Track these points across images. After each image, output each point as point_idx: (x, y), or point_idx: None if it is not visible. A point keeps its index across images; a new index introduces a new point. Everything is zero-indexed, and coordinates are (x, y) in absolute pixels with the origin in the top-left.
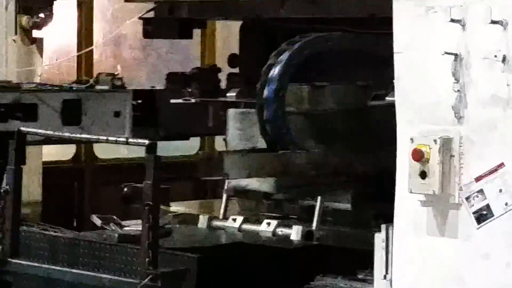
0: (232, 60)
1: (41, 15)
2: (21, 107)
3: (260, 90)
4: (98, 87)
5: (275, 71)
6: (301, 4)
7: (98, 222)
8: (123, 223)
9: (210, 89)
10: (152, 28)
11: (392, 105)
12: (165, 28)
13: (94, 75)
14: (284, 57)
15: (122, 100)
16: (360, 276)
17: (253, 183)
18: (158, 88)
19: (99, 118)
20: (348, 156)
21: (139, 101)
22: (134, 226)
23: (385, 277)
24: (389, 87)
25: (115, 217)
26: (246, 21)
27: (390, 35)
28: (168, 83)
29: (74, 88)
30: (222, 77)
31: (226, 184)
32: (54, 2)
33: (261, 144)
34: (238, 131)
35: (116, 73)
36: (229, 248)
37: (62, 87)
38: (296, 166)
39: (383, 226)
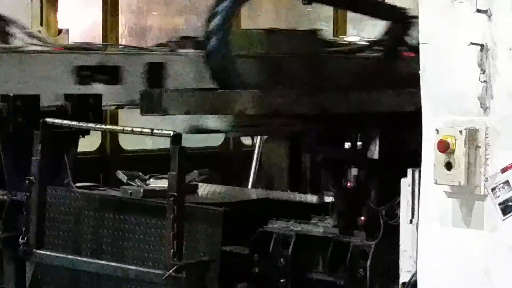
0: None
1: None
2: (104, 70)
3: (205, 40)
4: (180, 50)
5: (216, 20)
6: None
7: (123, 178)
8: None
9: None
10: None
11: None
12: None
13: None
14: (222, 8)
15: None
16: (313, 221)
17: (210, 122)
18: None
19: (181, 81)
20: (290, 97)
21: None
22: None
23: (411, 221)
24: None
25: (140, 173)
26: None
27: None
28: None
29: (157, 50)
30: None
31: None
32: None
33: None
34: None
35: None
36: (255, 203)
37: (145, 49)
38: (236, 104)
39: (409, 170)
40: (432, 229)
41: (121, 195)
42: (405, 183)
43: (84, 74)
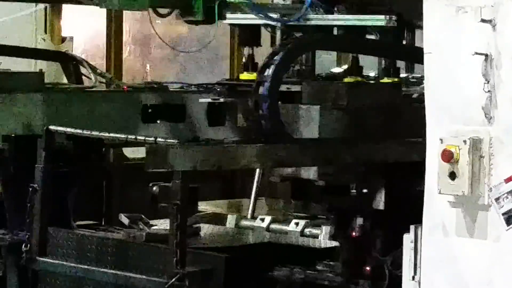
0: None
1: None
2: (168, 108)
3: (256, 88)
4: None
5: (270, 70)
6: None
7: (126, 221)
8: (151, 222)
9: None
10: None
11: None
12: None
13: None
14: (278, 57)
15: None
16: (318, 267)
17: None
18: None
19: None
20: (293, 150)
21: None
22: (162, 225)
23: (413, 278)
24: None
25: (143, 216)
26: None
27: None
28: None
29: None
30: None
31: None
32: None
33: None
34: None
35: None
36: (257, 248)
37: (207, 88)
38: (241, 159)
39: (412, 227)
40: (435, 239)
41: (124, 238)
42: (408, 239)
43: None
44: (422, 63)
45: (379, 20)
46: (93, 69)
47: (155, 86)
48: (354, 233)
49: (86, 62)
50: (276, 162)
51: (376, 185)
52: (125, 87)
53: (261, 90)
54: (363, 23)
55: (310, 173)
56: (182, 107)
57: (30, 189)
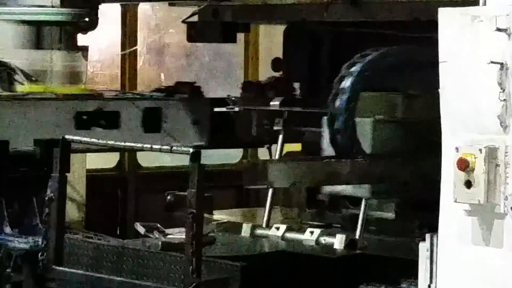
0: (276, 64)
1: (86, 19)
2: (103, 115)
3: (332, 101)
4: (177, 95)
5: (347, 82)
6: (344, 7)
7: (141, 230)
8: (166, 231)
9: (286, 98)
10: (196, 32)
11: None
12: (209, 31)
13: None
14: (356, 68)
15: (201, 108)
16: (404, 285)
17: (348, 189)
18: (234, 96)
19: (178, 126)
20: (393, 165)
21: (216, 109)
22: (177, 234)
23: (429, 286)
24: None
25: (158, 225)
26: (290, 25)
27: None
28: (243, 92)
29: (155, 96)
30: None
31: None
32: (99, 7)
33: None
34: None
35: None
36: (273, 257)
37: (143, 95)
38: (341, 174)
39: (427, 235)
40: (451, 247)
41: (140, 247)
42: (423, 248)
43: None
44: None
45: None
46: (27, 76)
47: (91, 93)
48: None
49: (20, 69)
50: (374, 178)
51: None
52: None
53: (338, 103)
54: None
55: (360, 190)
56: (117, 114)
57: (46, 198)
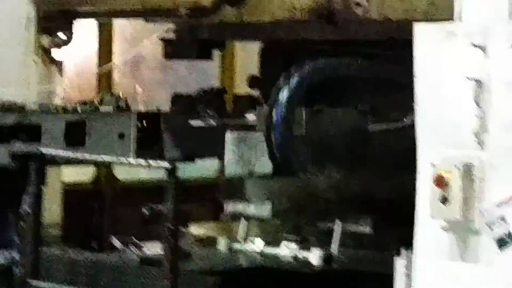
0: (252, 81)
1: (61, 34)
2: (24, 128)
3: (268, 114)
4: (102, 108)
5: (284, 94)
6: (321, 26)
7: (118, 244)
8: (143, 244)
9: (216, 111)
10: (172, 49)
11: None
12: (184, 48)
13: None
14: (293, 80)
15: (126, 121)
16: None
17: (250, 208)
18: (162, 109)
19: (103, 140)
20: (370, 181)
21: (144, 123)
22: (154, 248)
23: None
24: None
25: (134, 238)
26: (266, 42)
27: (398, 59)
28: (173, 105)
29: (78, 110)
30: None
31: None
32: (74, 23)
33: (258, 168)
34: (236, 155)
35: (121, 94)
36: (249, 272)
37: (65, 109)
38: (318, 190)
39: (403, 251)
40: (427, 263)
41: (117, 261)
42: (400, 263)
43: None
44: None
45: None
46: None
47: (12, 106)
48: None
49: None
50: (350, 193)
51: None
52: None
53: (274, 116)
54: None
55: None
56: (38, 127)
57: (22, 212)
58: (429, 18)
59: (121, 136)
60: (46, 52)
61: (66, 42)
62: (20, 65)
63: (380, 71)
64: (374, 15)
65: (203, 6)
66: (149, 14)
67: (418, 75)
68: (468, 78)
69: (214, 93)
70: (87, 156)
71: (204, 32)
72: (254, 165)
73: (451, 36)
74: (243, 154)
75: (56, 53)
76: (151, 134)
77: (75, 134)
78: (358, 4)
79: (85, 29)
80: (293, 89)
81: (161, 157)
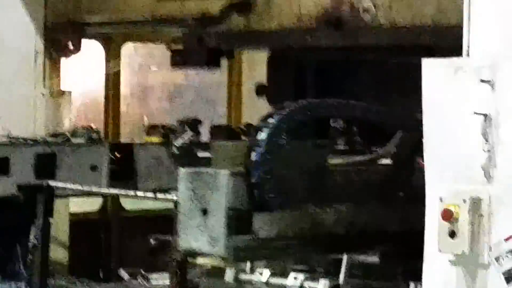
0: (260, 90)
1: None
2: None
3: (247, 154)
4: (74, 140)
5: (263, 134)
6: (329, 33)
7: (125, 276)
8: (150, 275)
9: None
10: (181, 58)
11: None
12: (193, 56)
13: (122, 126)
14: (272, 120)
15: (98, 153)
16: None
17: (205, 247)
18: (135, 141)
19: (75, 172)
20: (378, 213)
21: (117, 155)
22: (161, 279)
23: None
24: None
25: (142, 270)
26: (274, 51)
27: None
28: (149, 136)
29: (49, 142)
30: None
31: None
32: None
33: (212, 205)
34: (189, 191)
35: (92, 125)
36: None
37: (35, 141)
38: (325, 223)
39: (411, 285)
40: None
41: None
42: None
43: None
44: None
45: None
46: None
47: None
48: None
49: None
50: (359, 226)
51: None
52: None
53: (253, 156)
54: None
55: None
56: (5, 160)
57: (30, 243)
58: (437, 23)
59: (94, 168)
60: (54, 85)
61: (74, 51)
62: (27, 99)
63: (359, 112)
64: (382, 21)
65: (211, 15)
66: (158, 22)
67: (426, 109)
68: (476, 113)
69: (189, 123)
70: (94, 189)
71: (212, 40)
72: (208, 202)
73: (459, 71)
74: (196, 190)
75: (64, 83)
76: (124, 166)
77: (46, 166)
78: (366, 10)
79: (93, 59)
80: (273, 129)
81: (135, 189)
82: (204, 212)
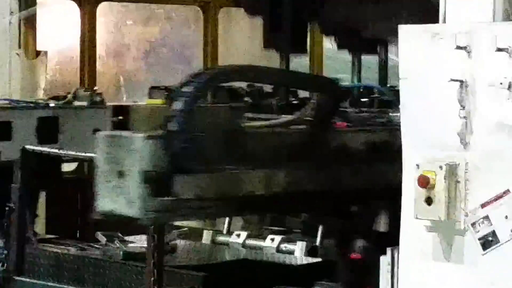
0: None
1: None
2: None
3: (165, 123)
4: (76, 103)
5: (178, 104)
6: None
7: (102, 239)
8: (128, 238)
9: None
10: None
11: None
12: None
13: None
14: (187, 89)
15: (101, 116)
16: None
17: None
18: (138, 103)
19: (77, 136)
20: (299, 175)
21: (119, 118)
22: (139, 242)
23: None
24: None
25: (119, 233)
26: None
27: None
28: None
29: (51, 105)
30: None
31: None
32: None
33: (128, 167)
34: (106, 154)
35: (95, 88)
36: (234, 266)
37: (37, 104)
38: (246, 184)
39: (388, 249)
40: (412, 264)
41: (101, 257)
42: (384, 262)
43: None
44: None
45: None
46: None
47: None
48: (354, 255)
49: None
50: (281, 187)
51: (379, 208)
52: None
53: (170, 126)
54: None
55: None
56: (8, 124)
57: (7, 208)
58: None
59: (96, 131)
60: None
61: None
62: (2, 59)
63: (276, 77)
64: None
65: None
66: None
67: (403, 75)
68: (452, 79)
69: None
70: (71, 153)
71: None
72: (124, 165)
73: (436, 37)
74: (113, 153)
75: (40, 43)
76: (126, 129)
77: (48, 131)
78: None
79: (68, 17)
80: (188, 99)
81: None
82: (121, 174)
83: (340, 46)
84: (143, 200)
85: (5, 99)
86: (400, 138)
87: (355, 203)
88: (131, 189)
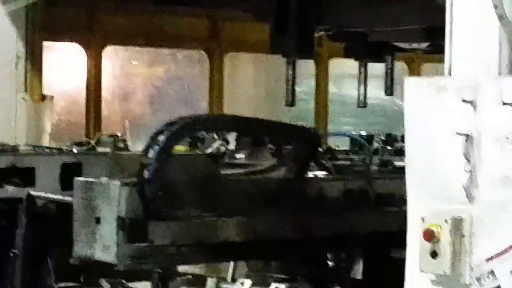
0: None
1: None
2: (17, 171)
3: (140, 172)
4: (99, 149)
5: (152, 153)
6: None
7: (106, 286)
8: (131, 285)
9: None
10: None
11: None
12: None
13: (103, 131)
14: (161, 138)
15: (125, 162)
16: None
17: (98, 254)
18: None
19: None
20: (275, 222)
21: None
22: None
23: None
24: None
25: (123, 281)
26: None
27: None
28: None
29: (74, 151)
30: None
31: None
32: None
33: (104, 214)
34: (83, 200)
35: (119, 134)
36: None
37: (61, 150)
38: (221, 232)
39: None
40: None
41: None
42: None
43: None
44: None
45: None
46: None
47: (4, 148)
48: None
49: None
50: (256, 235)
51: (354, 255)
52: None
53: (145, 173)
54: None
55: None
56: (32, 170)
57: (12, 254)
58: None
59: None
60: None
61: None
62: (9, 104)
63: (251, 127)
64: None
65: None
66: None
67: (408, 128)
68: (458, 133)
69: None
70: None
71: None
72: (100, 211)
73: (441, 90)
74: (90, 199)
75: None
76: None
77: (71, 177)
78: None
79: (74, 61)
80: (163, 147)
81: None
82: (98, 221)
83: (347, 54)
84: (119, 246)
85: (28, 145)
86: (374, 187)
87: (331, 250)
88: (107, 235)
